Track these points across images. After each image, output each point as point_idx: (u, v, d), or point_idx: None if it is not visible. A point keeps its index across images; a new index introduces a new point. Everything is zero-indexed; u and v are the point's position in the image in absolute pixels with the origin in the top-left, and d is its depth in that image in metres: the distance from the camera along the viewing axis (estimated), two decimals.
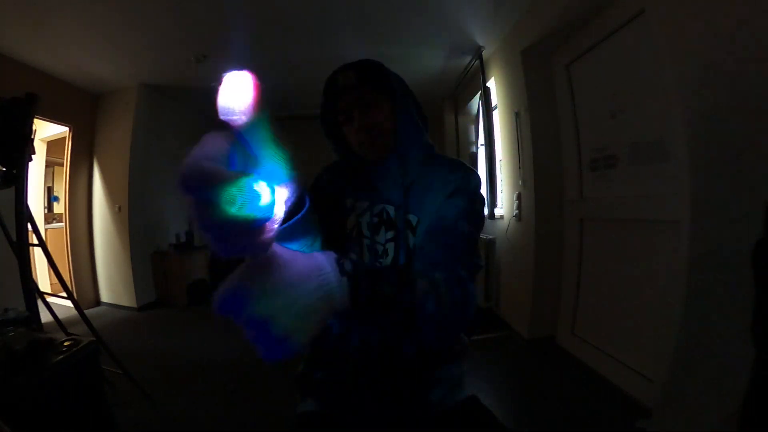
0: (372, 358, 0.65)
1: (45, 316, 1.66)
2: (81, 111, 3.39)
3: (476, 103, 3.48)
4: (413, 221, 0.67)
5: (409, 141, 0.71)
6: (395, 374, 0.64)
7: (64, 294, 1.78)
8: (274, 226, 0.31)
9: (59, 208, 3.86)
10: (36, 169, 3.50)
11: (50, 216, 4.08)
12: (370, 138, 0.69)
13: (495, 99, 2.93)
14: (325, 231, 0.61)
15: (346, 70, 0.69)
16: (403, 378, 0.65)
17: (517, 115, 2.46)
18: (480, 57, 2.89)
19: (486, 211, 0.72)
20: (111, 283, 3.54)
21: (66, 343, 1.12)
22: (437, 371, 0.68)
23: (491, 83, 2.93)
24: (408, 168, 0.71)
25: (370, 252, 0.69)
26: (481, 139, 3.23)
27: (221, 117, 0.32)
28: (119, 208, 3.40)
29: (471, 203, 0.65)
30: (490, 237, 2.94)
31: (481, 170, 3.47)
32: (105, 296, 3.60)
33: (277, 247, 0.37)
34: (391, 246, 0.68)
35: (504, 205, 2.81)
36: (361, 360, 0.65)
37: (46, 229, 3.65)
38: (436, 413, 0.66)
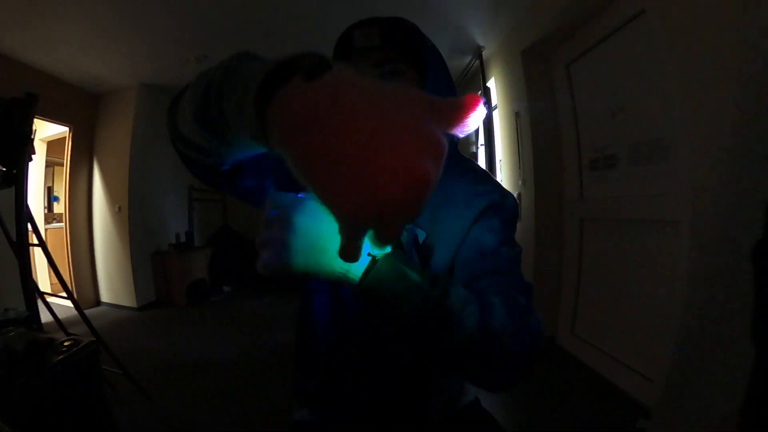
0: (369, 371, 0.59)
1: (45, 316, 1.66)
2: (81, 111, 3.39)
3: None
4: (420, 236, 0.52)
5: None
6: (393, 385, 0.60)
7: (64, 294, 1.78)
8: None
9: (59, 208, 3.86)
10: (36, 169, 3.49)
11: (50, 216, 4.08)
12: None
13: (495, 99, 2.93)
14: None
15: (369, 25, 0.52)
16: (401, 388, 0.60)
17: (517, 115, 2.46)
18: (480, 57, 2.89)
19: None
20: (111, 283, 3.54)
21: (66, 343, 1.12)
22: (437, 380, 0.63)
23: (491, 83, 2.93)
24: None
25: None
26: (481, 139, 3.24)
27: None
28: (119, 208, 3.40)
29: (507, 226, 0.54)
30: None
31: None
32: (105, 296, 3.60)
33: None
34: None
35: None
36: (357, 372, 0.60)
37: (46, 229, 3.64)
38: (435, 422, 0.62)
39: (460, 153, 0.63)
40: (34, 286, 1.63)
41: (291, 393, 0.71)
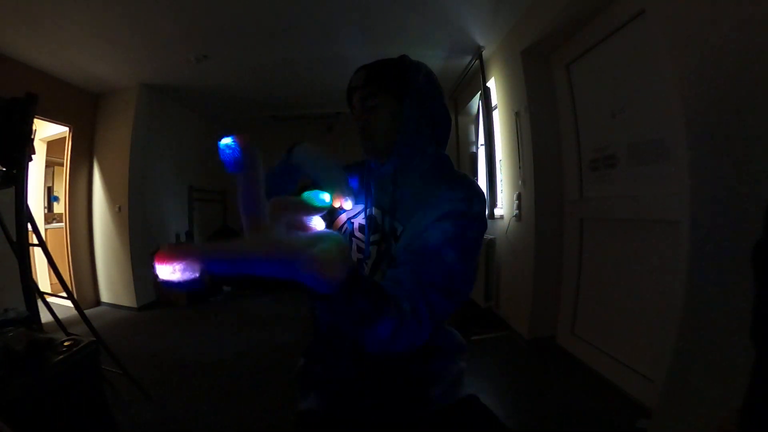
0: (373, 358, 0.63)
1: (45, 316, 1.66)
2: (81, 111, 3.39)
3: (476, 103, 3.48)
4: (398, 230, 0.66)
5: (408, 148, 0.69)
6: (394, 371, 0.65)
7: (64, 294, 1.78)
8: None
9: (59, 208, 3.85)
10: (36, 169, 3.49)
11: (50, 216, 4.08)
12: (364, 140, 0.70)
13: (495, 99, 2.93)
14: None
15: (360, 69, 0.70)
16: (402, 375, 0.65)
17: (517, 115, 2.46)
18: (480, 57, 2.89)
19: (484, 228, 0.65)
20: (111, 283, 3.54)
21: (66, 343, 1.12)
22: (437, 368, 0.68)
23: (491, 83, 2.93)
24: (403, 176, 0.70)
25: (359, 251, 0.70)
26: (481, 139, 3.24)
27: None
28: (119, 208, 3.40)
29: (463, 229, 0.59)
30: (490, 237, 2.94)
31: (481, 170, 3.47)
32: (105, 296, 3.60)
33: None
34: (374, 249, 0.68)
35: (504, 205, 2.81)
36: (356, 357, 0.65)
37: (46, 229, 3.64)
38: (436, 409, 0.66)
39: (449, 162, 0.73)
40: (34, 286, 1.63)
41: (296, 381, 0.74)
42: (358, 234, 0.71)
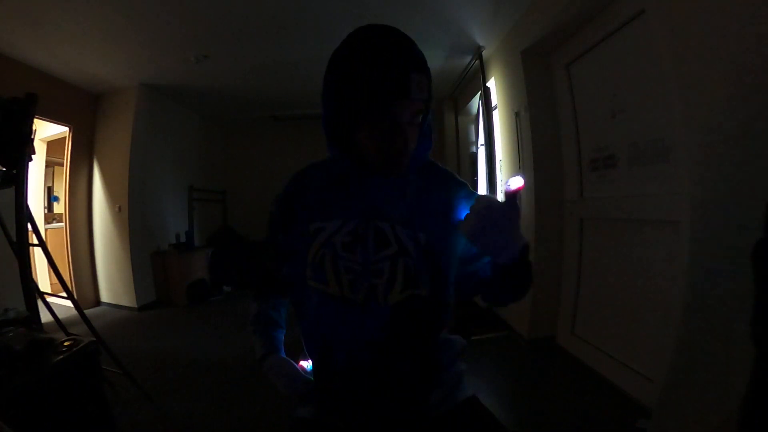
0: (364, 370, 0.61)
1: (45, 316, 1.66)
2: (81, 111, 3.39)
3: (476, 103, 3.48)
4: (422, 239, 0.60)
5: (426, 150, 0.63)
6: (393, 378, 0.62)
7: (64, 294, 1.78)
8: None
9: (59, 208, 3.86)
10: (36, 169, 3.50)
11: (50, 216, 4.08)
12: (396, 157, 0.56)
13: (495, 99, 2.93)
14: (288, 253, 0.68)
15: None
16: (401, 382, 0.63)
17: (517, 115, 2.46)
18: (480, 57, 2.89)
19: None
20: (111, 283, 3.54)
21: (66, 343, 1.12)
22: (436, 376, 0.66)
23: (491, 83, 2.93)
24: (410, 178, 0.64)
25: (348, 273, 0.59)
26: (481, 139, 3.23)
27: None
28: (119, 208, 3.40)
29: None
30: None
31: (481, 170, 3.47)
32: (105, 296, 3.60)
33: None
34: (386, 264, 0.59)
35: None
36: (355, 370, 0.62)
37: (46, 229, 3.65)
38: (436, 415, 0.65)
39: (436, 162, 0.71)
40: (34, 286, 1.63)
41: None
42: (343, 254, 0.60)
